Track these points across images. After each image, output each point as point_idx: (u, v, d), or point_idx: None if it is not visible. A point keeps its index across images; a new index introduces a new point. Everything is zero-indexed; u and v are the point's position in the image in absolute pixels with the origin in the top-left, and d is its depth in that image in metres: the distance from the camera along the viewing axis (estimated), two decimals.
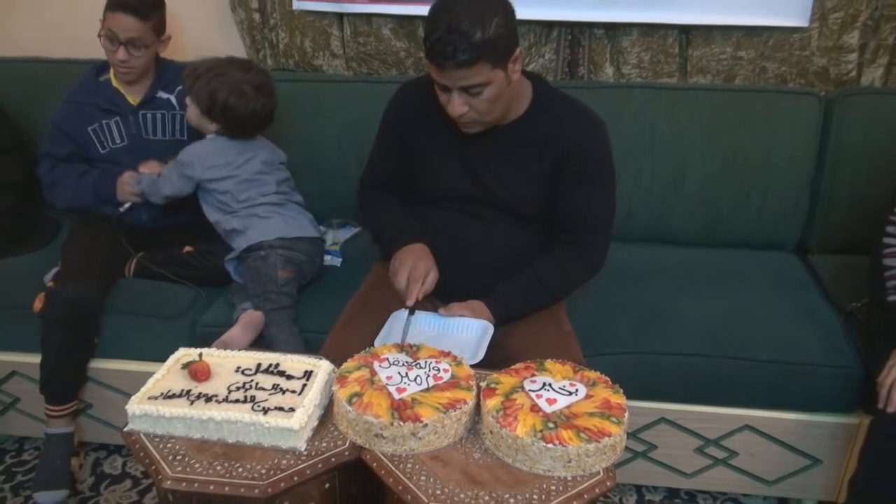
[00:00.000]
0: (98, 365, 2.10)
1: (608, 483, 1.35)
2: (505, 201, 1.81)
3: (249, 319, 1.94)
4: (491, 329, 1.75)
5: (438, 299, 1.86)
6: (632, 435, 1.96)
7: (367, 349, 1.60)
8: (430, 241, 1.84)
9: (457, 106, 1.64)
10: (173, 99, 2.25)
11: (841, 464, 1.94)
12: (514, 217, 1.83)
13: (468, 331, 1.77)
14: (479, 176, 1.81)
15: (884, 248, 1.81)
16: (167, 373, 1.56)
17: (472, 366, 1.58)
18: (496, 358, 1.68)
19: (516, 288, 1.82)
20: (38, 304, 2.01)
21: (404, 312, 1.81)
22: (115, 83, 2.23)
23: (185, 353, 1.62)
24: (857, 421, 1.89)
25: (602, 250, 1.85)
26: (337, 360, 1.64)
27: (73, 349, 2.02)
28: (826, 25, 2.29)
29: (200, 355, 1.59)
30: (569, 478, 1.34)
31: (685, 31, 2.36)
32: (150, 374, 1.55)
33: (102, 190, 2.19)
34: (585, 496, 1.32)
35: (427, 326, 1.78)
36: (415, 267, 1.77)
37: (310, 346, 1.90)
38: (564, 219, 1.82)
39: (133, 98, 2.23)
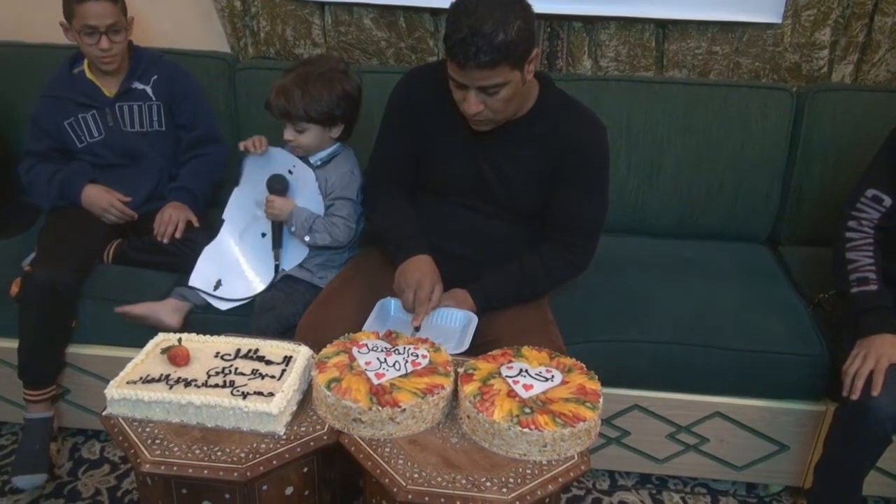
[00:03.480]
0: (76, 350, 2.08)
1: (582, 467, 1.36)
2: (502, 196, 1.82)
3: (179, 307, 1.97)
4: (475, 320, 1.76)
5: None
6: (605, 421, 1.97)
7: (347, 335, 1.60)
8: (429, 243, 1.83)
9: (472, 105, 1.64)
10: (149, 90, 2.21)
11: (808, 450, 1.97)
12: (508, 212, 1.84)
13: (452, 321, 1.78)
14: (479, 169, 1.81)
15: (847, 242, 1.83)
16: (146, 357, 1.56)
17: (457, 353, 1.59)
18: (477, 342, 1.70)
19: (500, 280, 1.83)
20: (14, 289, 1.98)
21: (391, 301, 1.82)
22: (89, 75, 2.19)
23: (164, 338, 1.62)
24: (823, 408, 1.92)
25: (589, 253, 1.86)
26: (314, 337, 1.64)
27: (50, 333, 2.00)
28: (799, 22, 2.31)
29: (180, 340, 1.59)
30: (544, 462, 1.36)
31: (662, 25, 2.37)
32: (129, 360, 1.54)
33: (68, 192, 2.16)
34: (560, 480, 1.33)
35: (410, 316, 1.79)
36: (420, 285, 1.74)
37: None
38: (556, 219, 1.83)
39: (108, 90, 2.19)
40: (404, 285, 1.75)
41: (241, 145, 2.01)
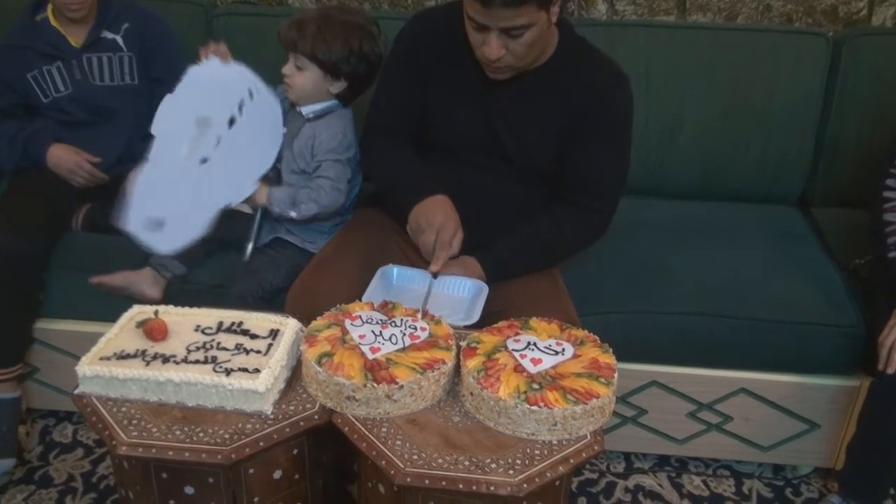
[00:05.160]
0: (45, 325, 2.08)
1: (595, 447, 1.37)
2: (516, 154, 1.81)
3: (159, 277, 1.98)
4: (486, 289, 1.75)
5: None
6: (621, 399, 1.99)
7: (339, 306, 1.60)
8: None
9: (494, 48, 1.62)
10: (119, 39, 2.19)
11: (840, 428, 1.98)
12: (522, 172, 1.83)
13: (460, 290, 1.78)
14: (491, 124, 1.80)
15: (884, 203, 1.83)
16: (120, 332, 1.56)
17: (455, 326, 1.59)
18: (483, 313, 1.69)
19: (513, 247, 1.83)
20: None
21: (393, 269, 1.81)
22: (54, 23, 2.16)
23: (139, 311, 1.62)
24: (857, 383, 1.93)
25: (609, 218, 1.85)
26: (305, 308, 1.64)
27: (15, 306, 2.00)
28: None
29: (156, 313, 1.58)
30: (554, 442, 1.36)
31: None
32: (102, 335, 1.54)
33: (33, 152, 2.15)
34: (571, 461, 1.34)
35: (415, 284, 1.79)
36: (443, 227, 1.71)
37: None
38: (574, 179, 1.82)
39: (75, 40, 2.17)
40: (424, 225, 1.73)
41: (201, 52, 1.97)
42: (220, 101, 1.96)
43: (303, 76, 1.92)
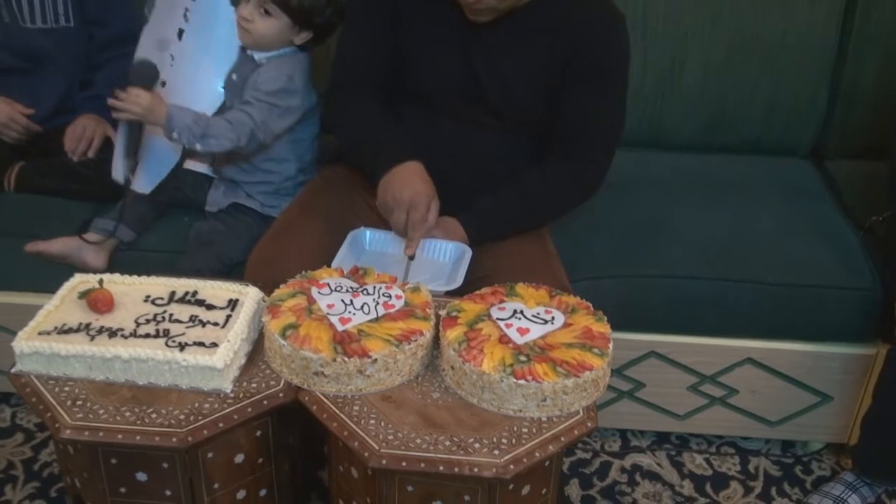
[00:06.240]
0: None
1: (589, 424, 1.39)
2: (500, 102, 1.81)
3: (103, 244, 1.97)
4: (469, 253, 1.76)
5: None
6: (616, 372, 2.00)
7: (304, 273, 1.60)
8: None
9: None
10: None
11: (854, 401, 2.01)
12: (507, 122, 1.83)
13: (441, 255, 1.79)
14: (472, 69, 1.79)
15: None
16: (61, 303, 1.55)
17: (435, 293, 1.60)
18: (465, 279, 1.70)
19: (498, 206, 1.83)
20: None
21: (365, 232, 1.82)
22: None
23: (81, 280, 1.61)
24: (873, 351, 1.96)
25: (603, 171, 1.86)
26: (267, 276, 1.65)
27: None
28: None
29: (101, 282, 1.58)
30: (543, 419, 1.38)
31: None
32: (40, 307, 1.54)
33: None
34: (562, 439, 1.35)
35: (390, 249, 1.79)
36: (414, 204, 1.69)
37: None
38: (565, 129, 1.82)
39: None
40: (393, 204, 1.72)
41: None
42: (171, 16, 1.98)
43: (267, 23, 1.88)
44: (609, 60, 1.79)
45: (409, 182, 1.72)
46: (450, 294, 1.65)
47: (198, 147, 1.88)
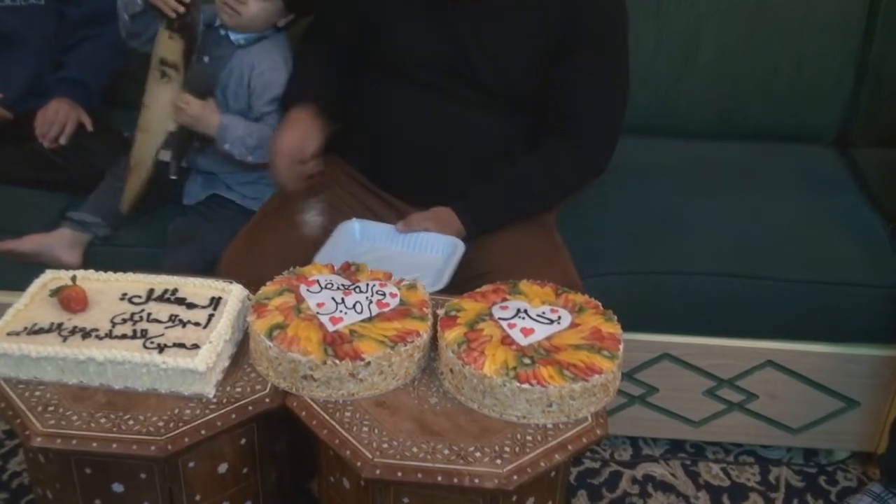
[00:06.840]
0: None
1: (598, 431, 1.38)
2: (489, 77, 1.79)
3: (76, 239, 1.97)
4: (461, 247, 1.76)
5: (402, 203, 1.86)
6: (627, 375, 2.00)
7: (292, 269, 1.59)
8: (392, 143, 1.83)
9: None
10: None
11: (882, 406, 2.01)
12: (498, 100, 1.82)
13: (432, 249, 1.78)
14: (458, 41, 1.78)
15: None
16: (31, 301, 1.55)
17: (435, 291, 1.59)
18: (464, 276, 1.70)
19: (495, 192, 1.82)
20: None
21: (355, 224, 1.82)
22: None
23: (53, 277, 1.61)
24: None
25: (607, 151, 1.85)
26: (244, 273, 1.64)
27: None
28: None
29: (74, 279, 1.58)
30: (549, 425, 1.37)
31: None
32: (9, 306, 1.54)
33: None
34: (569, 447, 1.35)
35: (381, 243, 1.79)
36: (273, 170, 1.76)
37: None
38: (563, 105, 1.81)
39: None
40: (272, 155, 1.78)
41: None
42: None
43: (261, 5, 1.89)
44: (607, 33, 1.78)
45: (287, 132, 1.78)
46: (441, 292, 1.64)
47: (250, 159, 1.93)
